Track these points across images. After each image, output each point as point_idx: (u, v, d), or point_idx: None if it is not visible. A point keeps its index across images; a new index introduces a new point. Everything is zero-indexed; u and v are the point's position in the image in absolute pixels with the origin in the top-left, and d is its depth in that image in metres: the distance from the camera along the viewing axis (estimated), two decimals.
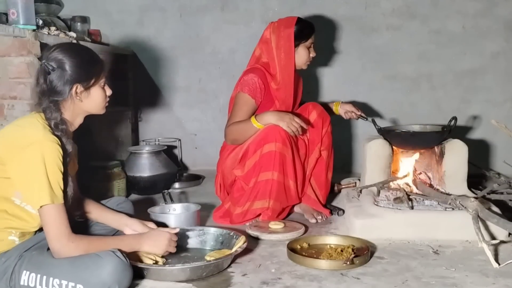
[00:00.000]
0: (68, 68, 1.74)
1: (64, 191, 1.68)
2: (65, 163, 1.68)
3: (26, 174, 1.61)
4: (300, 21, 2.67)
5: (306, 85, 2.80)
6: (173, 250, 1.93)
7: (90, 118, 1.90)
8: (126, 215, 2.03)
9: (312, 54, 2.72)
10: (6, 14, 2.36)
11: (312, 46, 2.71)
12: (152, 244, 1.87)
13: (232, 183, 2.64)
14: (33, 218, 1.72)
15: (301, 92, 2.87)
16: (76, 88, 1.76)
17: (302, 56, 2.67)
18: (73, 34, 2.81)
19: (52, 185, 1.62)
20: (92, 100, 1.82)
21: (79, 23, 3.30)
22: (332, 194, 3.03)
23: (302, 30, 2.64)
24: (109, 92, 1.88)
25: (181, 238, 2.08)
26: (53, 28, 2.64)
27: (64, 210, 1.65)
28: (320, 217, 2.61)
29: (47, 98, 1.74)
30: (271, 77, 2.64)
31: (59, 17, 3.15)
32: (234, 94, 2.65)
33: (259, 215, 2.54)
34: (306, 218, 2.62)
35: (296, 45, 2.63)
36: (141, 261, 1.85)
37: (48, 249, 1.72)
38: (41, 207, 1.62)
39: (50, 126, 1.71)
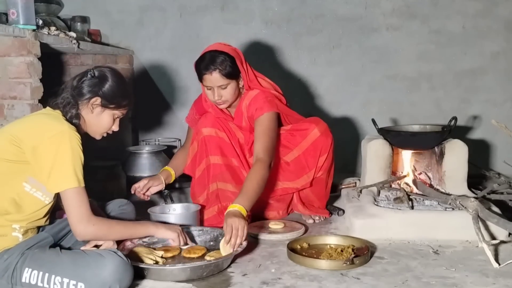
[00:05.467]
0: (104, 84, 1.86)
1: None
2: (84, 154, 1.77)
3: (53, 159, 1.67)
4: (200, 58, 2.46)
5: (307, 85, 2.80)
6: (182, 242, 2.01)
7: None
8: None
9: (212, 98, 2.41)
10: (6, 14, 2.36)
11: (212, 89, 2.39)
12: (166, 230, 1.98)
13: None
14: (39, 205, 1.75)
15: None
16: (96, 100, 1.85)
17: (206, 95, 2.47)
18: (73, 34, 2.80)
19: (76, 170, 1.70)
20: (98, 119, 1.89)
21: (79, 23, 3.30)
22: (333, 194, 3.02)
23: (195, 67, 2.47)
24: (115, 127, 1.95)
25: None
26: (53, 28, 2.64)
27: (85, 193, 1.73)
28: (317, 217, 2.61)
29: (69, 93, 1.84)
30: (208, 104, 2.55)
31: (59, 17, 3.14)
32: None
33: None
34: (304, 219, 2.62)
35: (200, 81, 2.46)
36: (142, 261, 1.86)
37: (50, 247, 1.75)
38: (64, 190, 1.68)
39: (67, 120, 1.81)
